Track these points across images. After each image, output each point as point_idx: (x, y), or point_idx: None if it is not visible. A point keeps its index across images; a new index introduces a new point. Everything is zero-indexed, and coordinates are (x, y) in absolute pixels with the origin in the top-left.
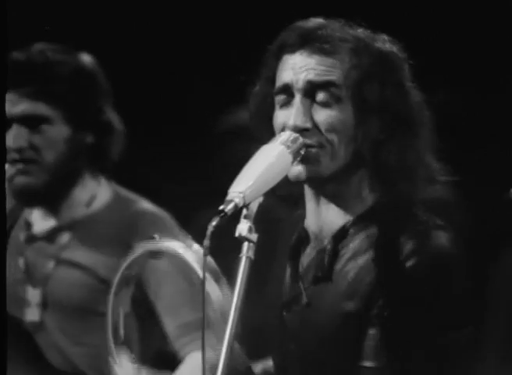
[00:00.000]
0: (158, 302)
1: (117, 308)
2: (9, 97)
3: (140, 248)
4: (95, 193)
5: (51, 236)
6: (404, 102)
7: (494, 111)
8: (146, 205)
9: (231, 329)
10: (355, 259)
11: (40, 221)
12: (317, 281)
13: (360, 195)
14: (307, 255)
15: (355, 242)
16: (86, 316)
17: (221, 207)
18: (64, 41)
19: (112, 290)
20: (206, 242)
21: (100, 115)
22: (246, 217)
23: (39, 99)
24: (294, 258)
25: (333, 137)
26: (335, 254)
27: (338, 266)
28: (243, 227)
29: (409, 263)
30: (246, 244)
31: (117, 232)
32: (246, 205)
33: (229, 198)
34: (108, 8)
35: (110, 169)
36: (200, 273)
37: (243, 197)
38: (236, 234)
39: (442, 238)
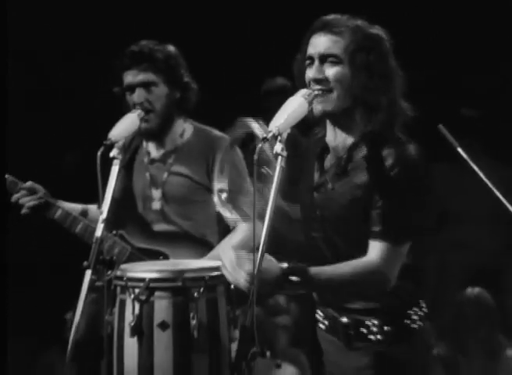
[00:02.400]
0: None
1: None
2: (131, 72)
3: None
4: (184, 128)
5: (163, 158)
6: (384, 64)
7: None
8: (217, 132)
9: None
10: (361, 164)
11: (154, 150)
12: (337, 176)
13: (359, 124)
14: (329, 160)
15: (360, 154)
16: (188, 203)
17: (264, 135)
18: (63, 41)
19: None
20: (255, 157)
21: (183, 79)
22: (280, 141)
23: (149, 71)
24: (320, 161)
25: (338, 85)
26: (349, 159)
27: (350, 167)
28: (278, 147)
29: (393, 171)
30: (279, 158)
31: (202, 151)
32: (280, 134)
33: (269, 129)
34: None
35: (190, 112)
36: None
37: (278, 129)
38: (273, 152)
39: (412, 150)
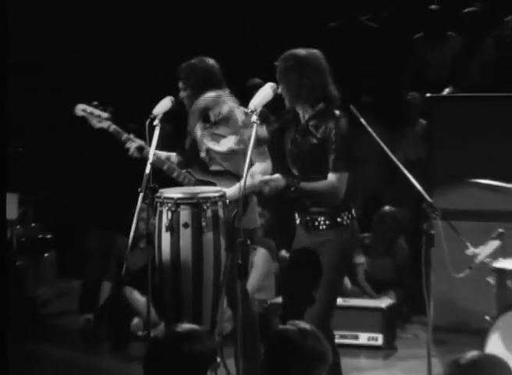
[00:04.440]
0: None
1: None
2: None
3: None
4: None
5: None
6: (311, 73)
7: None
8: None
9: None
10: (315, 129)
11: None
12: (301, 135)
13: (314, 104)
14: (299, 127)
15: (313, 123)
16: (230, 152)
17: (245, 110)
18: (63, 41)
19: None
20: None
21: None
22: (255, 114)
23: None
24: (295, 127)
25: (285, 87)
26: (307, 126)
27: (308, 131)
28: (254, 118)
29: (332, 133)
30: (255, 125)
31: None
32: (255, 110)
33: (249, 107)
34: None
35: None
36: None
37: (254, 106)
38: (252, 121)
39: (343, 121)
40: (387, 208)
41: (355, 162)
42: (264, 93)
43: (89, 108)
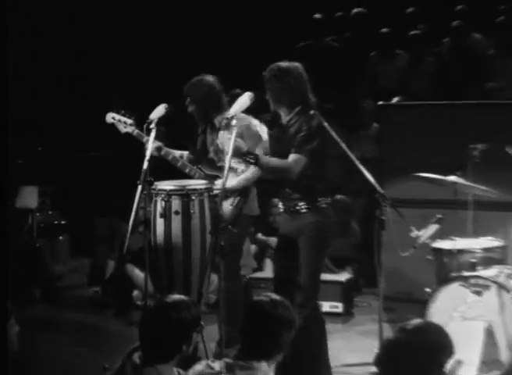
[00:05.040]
0: None
1: None
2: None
3: None
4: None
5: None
6: (291, 82)
7: None
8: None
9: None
10: (293, 127)
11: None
12: (283, 132)
13: (293, 107)
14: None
15: (292, 122)
16: None
17: (227, 115)
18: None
19: None
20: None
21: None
22: (233, 118)
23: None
24: (280, 126)
25: (270, 94)
26: (287, 126)
27: (288, 129)
28: (233, 122)
29: (302, 128)
30: (234, 128)
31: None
32: (235, 115)
33: (230, 112)
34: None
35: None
36: None
37: (234, 112)
38: (232, 124)
39: (315, 118)
40: (338, 196)
41: (327, 157)
42: (242, 101)
43: (117, 116)
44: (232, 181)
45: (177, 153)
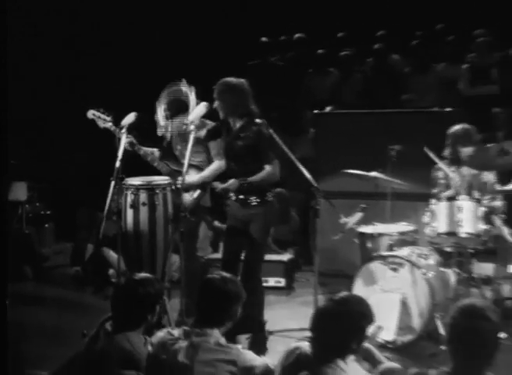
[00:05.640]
0: None
1: None
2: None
3: None
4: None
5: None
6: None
7: None
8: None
9: None
10: (243, 134)
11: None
12: (234, 139)
13: (240, 117)
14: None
15: (241, 130)
16: (197, 151)
17: (186, 121)
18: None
19: None
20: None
21: None
22: (193, 125)
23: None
24: (230, 132)
25: (220, 105)
26: (238, 132)
27: (238, 136)
28: (191, 127)
29: (257, 139)
30: (192, 132)
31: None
32: (193, 121)
33: (189, 119)
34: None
35: None
36: None
37: (192, 119)
38: (190, 129)
39: (261, 128)
40: (278, 189)
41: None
42: (199, 109)
43: (97, 113)
44: (194, 177)
45: (148, 150)
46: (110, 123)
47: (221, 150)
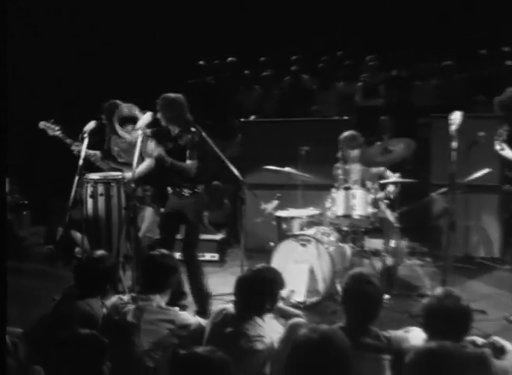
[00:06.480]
0: None
1: None
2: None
3: None
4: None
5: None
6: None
7: None
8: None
9: None
10: (180, 139)
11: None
12: (173, 143)
13: (178, 125)
14: (169, 139)
15: (179, 136)
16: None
17: (134, 128)
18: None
19: None
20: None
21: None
22: (142, 130)
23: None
24: (173, 138)
25: (162, 115)
26: (175, 138)
27: (177, 141)
28: (139, 132)
29: (188, 143)
30: (140, 136)
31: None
32: (142, 127)
33: (138, 125)
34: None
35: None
36: None
37: (141, 125)
38: (138, 134)
39: (196, 135)
40: (214, 182)
41: (203, 158)
42: (146, 117)
43: (47, 124)
44: (130, 173)
45: (92, 152)
46: (58, 132)
47: (150, 152)
